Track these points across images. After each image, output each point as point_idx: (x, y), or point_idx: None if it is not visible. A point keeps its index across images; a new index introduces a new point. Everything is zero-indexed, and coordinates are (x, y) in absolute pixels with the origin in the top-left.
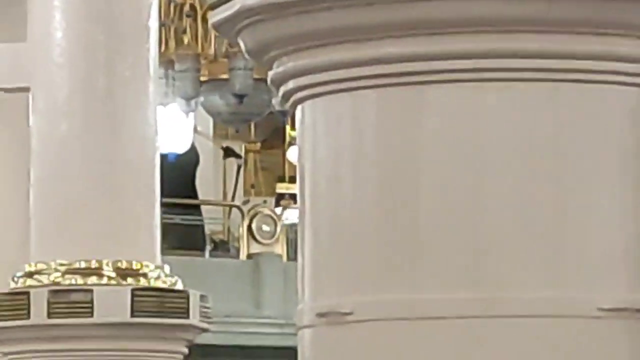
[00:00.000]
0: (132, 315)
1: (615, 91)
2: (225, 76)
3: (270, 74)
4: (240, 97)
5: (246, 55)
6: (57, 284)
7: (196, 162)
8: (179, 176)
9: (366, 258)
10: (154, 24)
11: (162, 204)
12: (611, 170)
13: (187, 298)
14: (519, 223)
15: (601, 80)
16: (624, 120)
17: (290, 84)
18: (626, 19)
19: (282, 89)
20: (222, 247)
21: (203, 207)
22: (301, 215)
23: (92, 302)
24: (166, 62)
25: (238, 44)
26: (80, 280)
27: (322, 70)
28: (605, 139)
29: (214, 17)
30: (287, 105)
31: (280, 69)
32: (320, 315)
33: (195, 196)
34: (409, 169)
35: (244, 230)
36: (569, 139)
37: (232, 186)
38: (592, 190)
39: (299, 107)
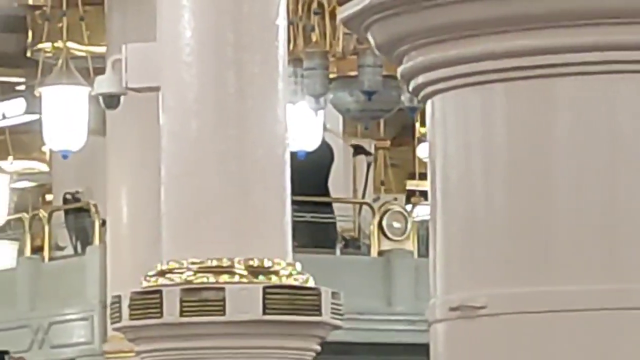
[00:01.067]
0: (264, 313)
1: None
2: (354, 73)
3: (400, 69)
4: (369, 94)
5: (375, 51)
6: (189, 282)
7: (331, 160)
8: (311, 174)
9: (499, 251)
10: (282, 22)
11: (293, 202)
12: None
13: (319, 295)
14: None
15: None
16: None
17: (420, 79)
18: None
19: (412, 84)
20: (353, 244)
21: (335, 205)
22: (433, 211)
23: (224, 300)
24: (294, 60)
25: (367, 40)
26: (212, 279)
27: (452, 64)
28: None
29: (343, 12)
30: (417, 101)
31: (410, 63)
32: (453, 309)
33: (327, 194)
34: (541, 163)
35: (374, 227)
36: None
37: (363, 183)
38: None
39: (429, 102)
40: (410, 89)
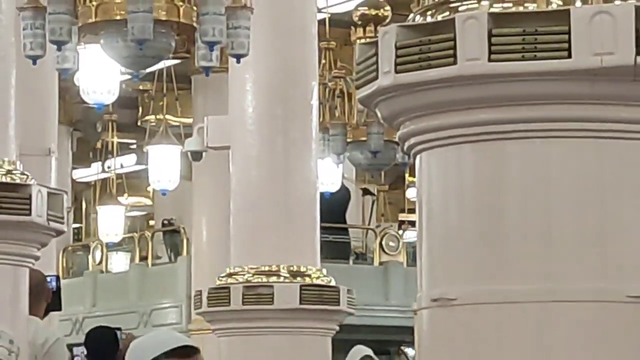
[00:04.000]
0: (300, 303)
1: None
2: (364, 138)
3: (398, 134)
4: (374, 153)
5: (381, 121)
6: (249, 281)
7: (348, 199)
8: (334, 208)
9: (466, 260)
10: (315, 102)
11: (321, 227)
12: (633, 196)
13: (338, 292)
14: (576, 238)
15: (630, 137)
16: None
17: (412, 140)
18: None
19: (406, 145)
20: (362, 257)
21: (350, 230)
22: (419, 234)
23: (272, 294)
24: (323, 129)
25: (375, 114)
26: (264, 279)
27: (435, 131)
28: (624, 176)
29: (360, 93)
30: (408, 157)
31: (405, 130)
32: (434, 300)
33: (345, 222)
34: (496, 198)
35: (377, 245)
36: (611, 179)
37: (369, 215)
38: (626, 215)
39: (418, 157)
40: (405, 148)
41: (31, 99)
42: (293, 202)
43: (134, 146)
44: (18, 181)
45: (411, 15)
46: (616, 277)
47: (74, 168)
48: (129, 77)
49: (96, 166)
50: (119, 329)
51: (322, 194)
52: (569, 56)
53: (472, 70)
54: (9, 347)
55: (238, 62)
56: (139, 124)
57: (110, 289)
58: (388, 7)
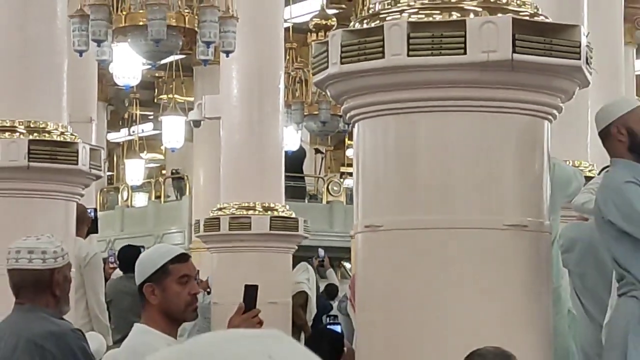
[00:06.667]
0: (270, 230)
1: (509, 118)
2: (316, 112)
3: (342, 108)
4: (324, 122)
5: (330, 99)
6: (233, 214)
7: (304, 156)
8: (294, 162)
9: (389, 199)
10: (282, 86)
11: (285, 176)
12: (509, 155)
13: (297, 221)
14: (467, 183)
15: (508, 112)
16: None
17: (351, 112)
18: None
19: (347, 116)
20: (314, 197)
21: (305, 178)
22: (355, 181)
23: (250, 223)
24: (287, 105)
25: (325, 94)
26: (244, 212)
27: (368, 106)
28: (502, 140)
29: (315, 79)
30: (348, 125)
31: (347, 105)
32: (366, 227)
33: (302, 172)
34: (411, 157)
35: (324, 189)
36: (494, 140)
37: (319, 167)
38: (504, 167)
39: (356, 125)
40: (346, 118)
41: (78, 81)
42: (265, 157)
43: (152, 117)
44: (69, 140)
45: (352, 23)
46: (496, 211)
47: (108, 132)
48: (149, 66)
49: (124, 131)
50: (143, 247)
51: (286, 152)
52: (465, 53)
53: (395, 62)
54: (58, 248)
55: (227, 56)
56: (155, 100)
57: (133, 218)
58: (334, 19)
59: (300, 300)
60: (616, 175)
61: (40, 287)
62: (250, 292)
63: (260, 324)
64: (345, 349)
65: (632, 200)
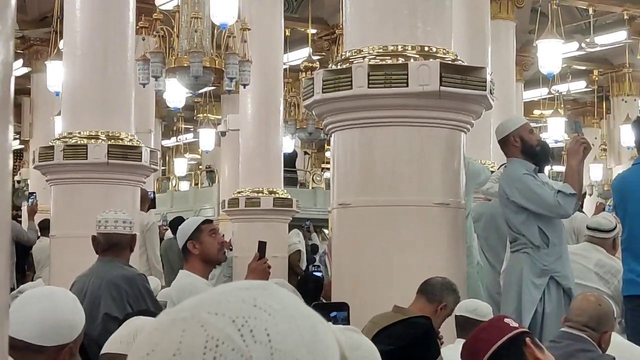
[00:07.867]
0: (273, 207)
1: (437, 130)
2: (305, 126)
3: (323, 123)
4: (310, 133)
5: (315, 117)
6: (248, 196)
7: (296, 156)
8: (289, 160)
9: (355, 185)
10: (281, 108)
11: (284, 170)
12: (437, 155)
13: (292, 201)
14: (406, 173)
15: (437, 126)
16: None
17: (329, 126)
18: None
19: (327, 128)
20: (303, 185)
21: (297, 171)
22: (332, 174)
23: (259, 202)
24: (285, 121)
25: (312, 113)
26: (256, 195)
27: (341, 122)
28: (433, 145)
29: (304, 103)
30: (327, 135)
31: (326, 121)
32: (340, 204)
33: (295, 167)
34: (370, 158)
35: (310, 179)
36: (426, 145)
37: (307, 164)
38: (432, 164)
39: (332, 135)
40: (326, 130)
41: (141, 104)
42: (270, 157)
43: (192, 129)
44: (135, 144)
45: (330, 65)
46: (428, 193)
47: (162, 139)
48: (190, 94)
49: (173, 139)
50: (185, 218)
51: (284, 154)
52: (407, 86)
53: (359, 92)
54: (128, 218)
55: (244, 87)
56: (194, 118)
57: (179, 199)
58: (318, 62)
59: (296, 256)
60: (515, 169)
61: (124, 246)
62: (262, 246)
63: (269, 267)
64: (324, 285)
65: (530, 186)
